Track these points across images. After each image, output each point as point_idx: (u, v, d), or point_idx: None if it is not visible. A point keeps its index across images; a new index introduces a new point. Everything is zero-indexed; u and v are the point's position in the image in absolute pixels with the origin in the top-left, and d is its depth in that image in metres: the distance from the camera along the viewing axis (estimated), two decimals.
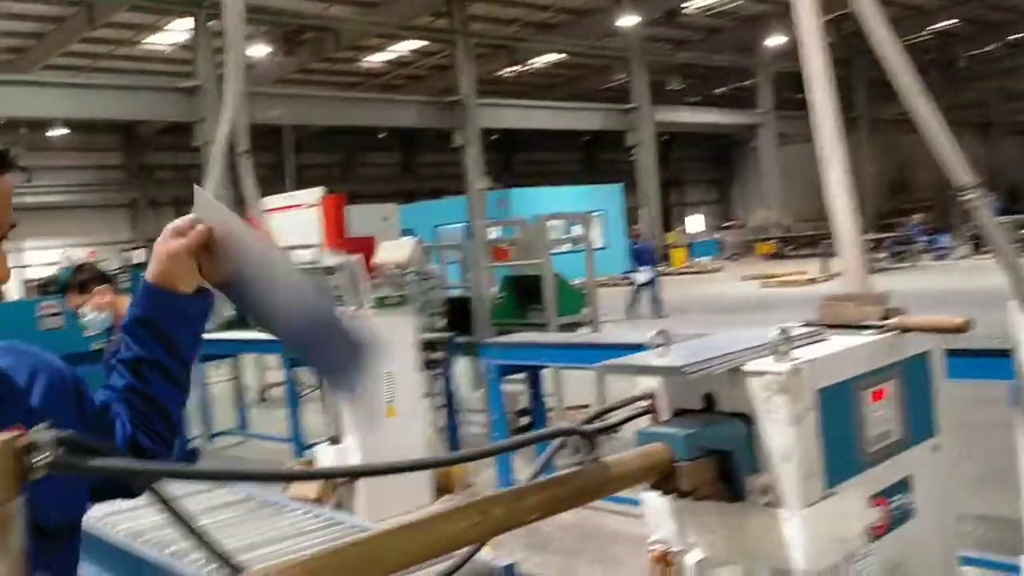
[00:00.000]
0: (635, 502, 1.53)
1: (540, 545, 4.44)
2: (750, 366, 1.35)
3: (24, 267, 21.10)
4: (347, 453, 5.09)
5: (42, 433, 0.76)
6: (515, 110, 25.29)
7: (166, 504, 0.93)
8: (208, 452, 7.23)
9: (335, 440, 5.25)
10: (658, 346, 1.39)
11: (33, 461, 0.75)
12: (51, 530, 1.05)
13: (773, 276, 19.13)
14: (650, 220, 24.44)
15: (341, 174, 30.12)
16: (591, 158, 37.56)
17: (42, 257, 21.28)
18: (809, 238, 25.61)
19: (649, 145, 27.12)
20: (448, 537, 1.02)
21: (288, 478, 3.13)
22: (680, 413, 1.41)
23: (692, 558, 1.38)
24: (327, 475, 5.10)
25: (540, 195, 24.09)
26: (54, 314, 7.37)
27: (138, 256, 10.73)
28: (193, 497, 3.02)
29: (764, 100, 30.17)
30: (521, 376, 6.56)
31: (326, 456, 5.25)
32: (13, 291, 11.44)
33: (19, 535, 0.71)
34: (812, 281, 17.18)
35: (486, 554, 2.06)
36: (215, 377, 8.63)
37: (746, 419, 1.35)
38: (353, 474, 4.84)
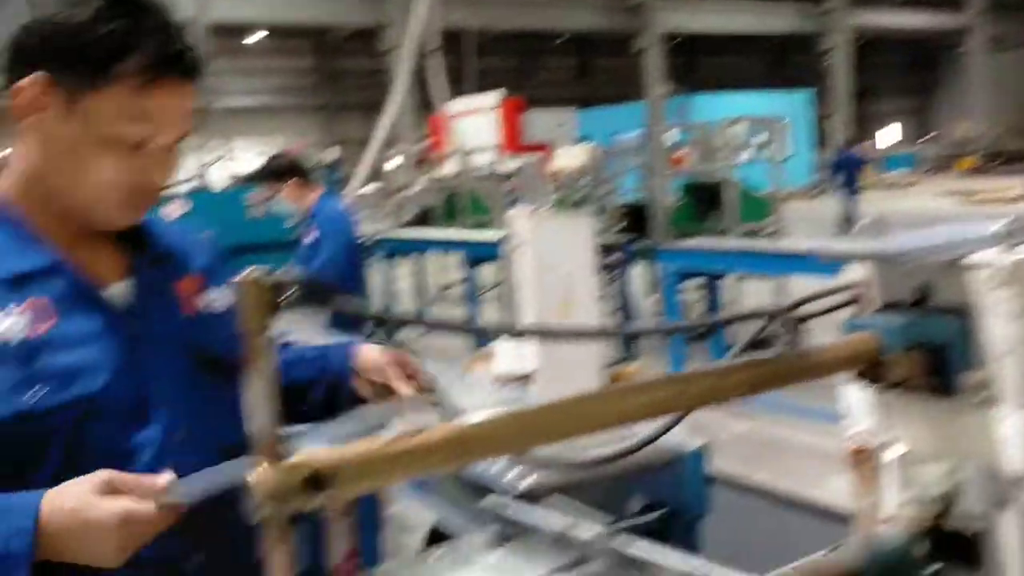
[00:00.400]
0: (811, 412, 1.49)
1: (714, 453, 4.44)
2: (971, 258, 1.27)
3: (231, 161, 22.56)
4: (524, 348, 5.21)
5: (286, 273, 0.83)
6: (699, 12, 24.25)
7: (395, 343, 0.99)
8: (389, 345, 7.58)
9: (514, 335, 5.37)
10: (870, 233, 1.33)
11: (281, 296, 0.81)
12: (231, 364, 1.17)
13: (975, 192, 17.77)
14: (841, 130, 23.11)
15: (518, 80, 30.10)
16: (779, 63, 35.72)
17: (246, 155, 22.65)
18: (1019, 153, 23.51)
19: (843, 49, 25.45)
20: (648, 405, 1.03)
21: (514, 333, 3.22)
22: (889, 306, 1.35)
23: (893, 453, 1.34)
24: (531, 333, 5.24)
25: (722, 101, 23.16)
26: (258, 204, 7.86)
27: (330, 154, 11.21)
28: None
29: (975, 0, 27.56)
30: (698, 283, 6.47)
31: (504, 350, 5.40)
32: (220, 184, 12.27)
33: (273, 361, 0.78)
34: (1020, 198, 15.85)
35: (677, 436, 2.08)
36: (398, 274, 9.01)
37: (962, 313, 1.27)
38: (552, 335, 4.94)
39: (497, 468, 2.06)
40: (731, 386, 1.09)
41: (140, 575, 1.04)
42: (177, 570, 1.12)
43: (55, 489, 0.99)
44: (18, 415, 1.07)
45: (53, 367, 1.09)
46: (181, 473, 1.06)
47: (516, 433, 0.95)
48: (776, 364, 1.15)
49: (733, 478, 2.93)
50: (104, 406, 1.12)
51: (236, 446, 0.86)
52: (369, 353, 1.30)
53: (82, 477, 1.00)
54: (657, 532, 1.71)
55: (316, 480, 0.84)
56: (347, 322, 3.42)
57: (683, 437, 2.18)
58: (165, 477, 1.02)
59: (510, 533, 1.31)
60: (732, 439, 4.58)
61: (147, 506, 0.97)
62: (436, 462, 0.89)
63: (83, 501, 0.96)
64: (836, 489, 2.60)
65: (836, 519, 2.49)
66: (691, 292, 6.54)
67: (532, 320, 5.25)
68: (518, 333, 1.62)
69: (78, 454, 1.09)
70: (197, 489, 0.99)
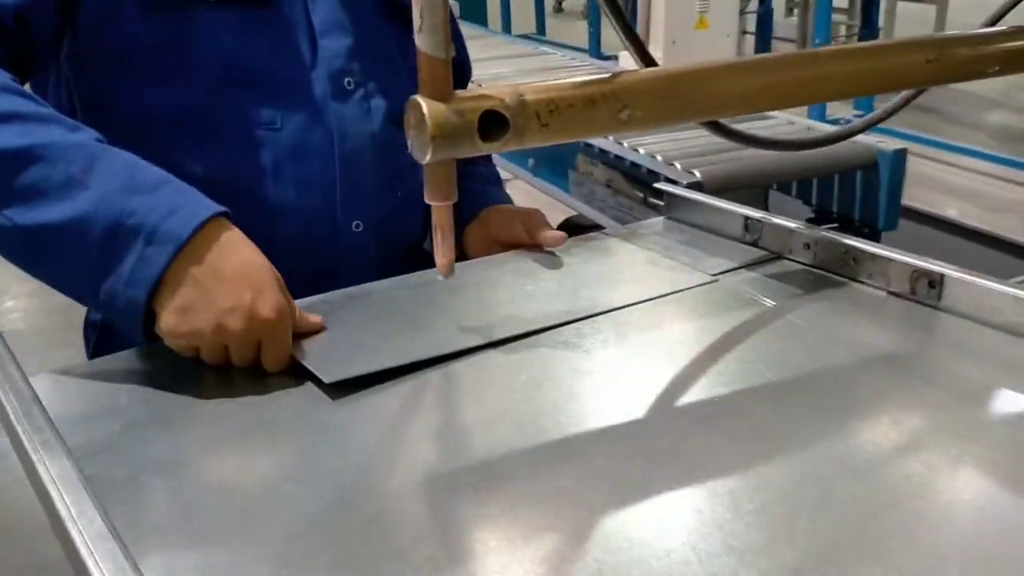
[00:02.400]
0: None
1: None
2: None
3: None
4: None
5: None
6: None
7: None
8: None
9: None
10: None
11: None
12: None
13: None
14: None
15: None
16: None
17: None
18: None
19: None
20: (894, 70, 0.84)
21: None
22: None
23: None
24: None
25: None
26: None
27: None
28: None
29: None
30: (846, 5, 5.87)
31: (628, 64, 5.08)
32: None
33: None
34: None
35: (871, 140, 1.87)
36: None
37: None
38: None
39: (659, 160, 1.92)
40: (988, 58, 0.87)
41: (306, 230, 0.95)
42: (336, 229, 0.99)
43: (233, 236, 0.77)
44: None
45: None
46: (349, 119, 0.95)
47: (739, 88, 0.77)
48: None
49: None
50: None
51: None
52: (497, 206, 1.11)
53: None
54: None
55: (493, 121, 0.69)
56: None
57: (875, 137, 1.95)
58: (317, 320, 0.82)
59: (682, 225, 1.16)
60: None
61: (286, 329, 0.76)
62: (644, 113, 0.73)
63: (255, 262, 0.76)
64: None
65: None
66: (840, 11, 5.97)
67: (662, 36, 4.86)
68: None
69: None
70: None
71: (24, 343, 2.87)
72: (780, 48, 6.19)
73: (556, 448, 0.64)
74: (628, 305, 0.88)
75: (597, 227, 2.14)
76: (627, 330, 0.84)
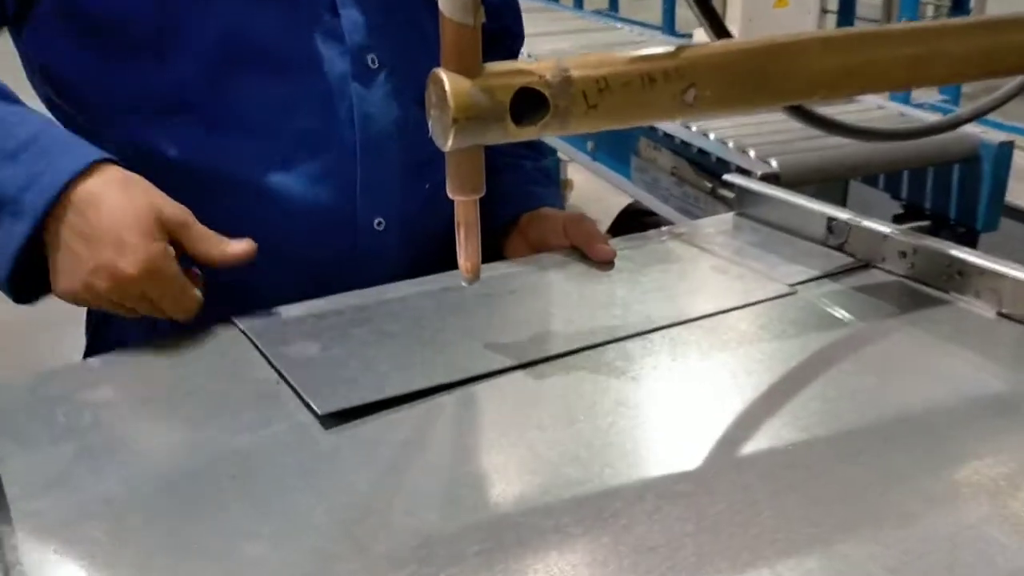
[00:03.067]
0: None
1: None
2: None
3: None
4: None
5: None
6: None
7: None
8: None
9: None
10: None
11: None
12: None
13: None
14: None
15: None
16: None
17: None
18: None
19: None
20: (1017, 49, 0.69)
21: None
22: None
23: None
24: None
25: None
26: None
27: None
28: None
29: None
30: None
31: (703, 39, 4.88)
32: None
33: None
34: None
35: (972, 130, 1.69)
36: None
37: None
38: None
39: (731, 147, 1.76)
40: None
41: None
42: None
43: (106, 175, 0.70)
44: None
45: None
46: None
47: (832, 66, 0.64)
48: None
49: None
50: None
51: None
52: (540, 211, 0.97)
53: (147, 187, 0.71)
54: None
55: (530, 100, 0.57)
56: None
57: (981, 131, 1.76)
58: (244, 246, 0.73)
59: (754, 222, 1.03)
60: None
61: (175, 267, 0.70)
62: (714, 93, 0.60)
63: (117, 214, 0.68)
64: None
65: None
66: None
67: (739, 13, 4.65)
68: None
69: None
70: None
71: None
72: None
73: (585, 508, 0.52)
74: (688, 320, 0.75)
75: (658, 217, 2.00)
76: (685, 352, 0.71)
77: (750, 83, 0.63)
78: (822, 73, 0.64)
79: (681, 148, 1.88)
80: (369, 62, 0.84)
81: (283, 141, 0.81)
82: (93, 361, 0.71)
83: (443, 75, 0.56)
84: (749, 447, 0.58)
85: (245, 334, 0.73)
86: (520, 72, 0.57)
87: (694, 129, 1.85)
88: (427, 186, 0.88)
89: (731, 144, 1.76)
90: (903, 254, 0.83)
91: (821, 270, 0.85)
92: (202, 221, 0.72)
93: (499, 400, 0.64)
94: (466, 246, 0.62)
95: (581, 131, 0.60)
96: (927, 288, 0.81)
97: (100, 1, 0.75)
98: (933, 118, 2.31)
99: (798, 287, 0.82)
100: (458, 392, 0.64)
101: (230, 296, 0.74)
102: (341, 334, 0.73)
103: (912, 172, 1.85)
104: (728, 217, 1.04)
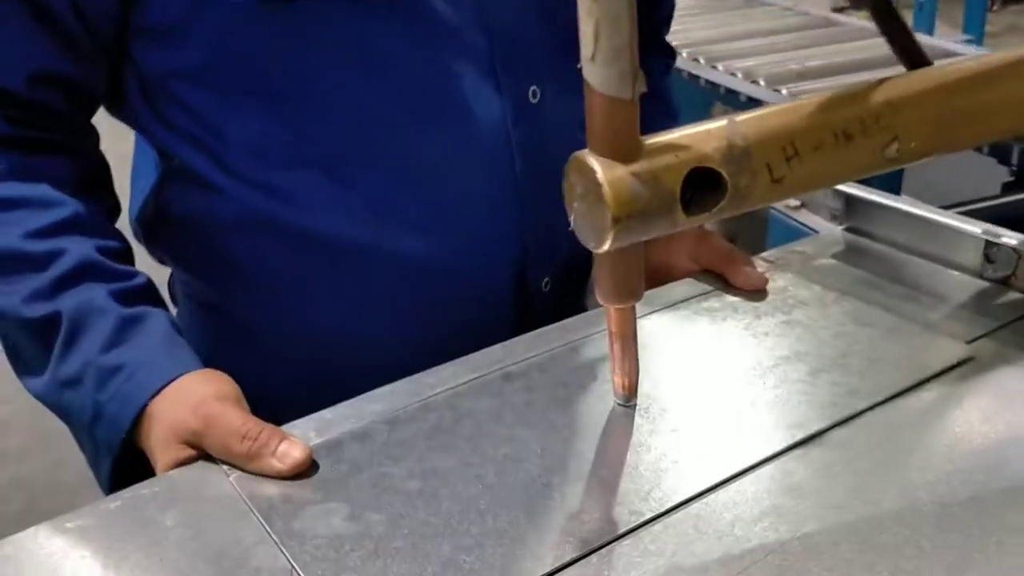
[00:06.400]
0: None
1: None
2: None
3: None
4: None
5: None
6: None
7: None
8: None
9: None
10: None
11: None
12: None
13: None
14: None
15: None
16: None
17: None
18: None
19: None
20: None
21: None
22: None
23: None
24: None
25: None
26: None
27: None
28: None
29: None
30: None
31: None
32: None
33: None
34: None
35: None
36: None
37: None
38: None
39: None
40: None
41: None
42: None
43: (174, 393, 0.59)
44: None
45: None
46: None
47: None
48: None
49: None
50: None
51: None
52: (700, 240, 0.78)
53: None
54: None
55: (702, 182, 0.44)
56: None
57: None
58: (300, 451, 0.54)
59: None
60: None
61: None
62: (920, 144, 0.47)
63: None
64: None
65: None
66: None
67: None
68: None
69: None
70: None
71: None
72: None
73: None
74: (883, 402, 0.58)
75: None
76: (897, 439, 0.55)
77: (960, 121, 0.50)
78: None
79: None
80: (530, 96, 0.69)
81: (426, 198, 0.67)
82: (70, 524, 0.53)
83: (593, 162, 0.43)
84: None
85: None
86: (686, 147, 0.44)
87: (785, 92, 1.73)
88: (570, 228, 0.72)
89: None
90: None
91: (995, 318, 0.68)
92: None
93: None
94: (622, 361, 0.49)
95: (758, 207, 0.47)
96: None
97: (199, 43, 0.62)
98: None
99: (973, 343, 0.65)
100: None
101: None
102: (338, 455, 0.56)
103: None
104: (835, 235, 0.85)
